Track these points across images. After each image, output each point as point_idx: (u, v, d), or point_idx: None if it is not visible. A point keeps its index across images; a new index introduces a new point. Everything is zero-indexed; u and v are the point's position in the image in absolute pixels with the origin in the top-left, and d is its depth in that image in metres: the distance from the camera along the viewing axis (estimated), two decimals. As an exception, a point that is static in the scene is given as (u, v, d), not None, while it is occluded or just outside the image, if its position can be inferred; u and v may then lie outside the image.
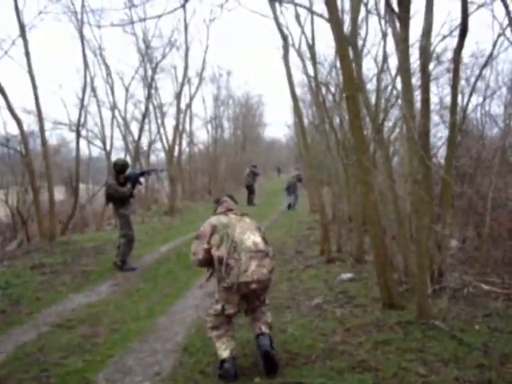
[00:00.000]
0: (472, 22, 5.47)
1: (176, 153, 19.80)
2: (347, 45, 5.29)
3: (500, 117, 11.88)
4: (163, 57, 18.90)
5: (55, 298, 6.81)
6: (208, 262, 4.21)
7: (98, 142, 17.76)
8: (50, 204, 11.12)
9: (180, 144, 20.45)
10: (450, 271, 6.47)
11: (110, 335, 5.17)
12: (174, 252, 10.10)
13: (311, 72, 10.16)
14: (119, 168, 8.70)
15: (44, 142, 10.85)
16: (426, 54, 5.46)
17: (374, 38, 10.85)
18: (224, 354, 4.00)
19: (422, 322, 4.94)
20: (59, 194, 22.53)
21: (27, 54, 10.43)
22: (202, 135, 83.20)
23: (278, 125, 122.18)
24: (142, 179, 9.38)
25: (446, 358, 4.15)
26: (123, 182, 8.56)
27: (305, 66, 10.20)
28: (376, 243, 5.39)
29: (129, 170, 8.89)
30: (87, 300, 6.68)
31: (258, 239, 4.14)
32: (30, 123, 15.04)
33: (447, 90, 12.50)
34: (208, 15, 26.58)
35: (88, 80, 13.69)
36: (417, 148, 4.74)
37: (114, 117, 16.82)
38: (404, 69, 4.71)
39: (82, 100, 12.58)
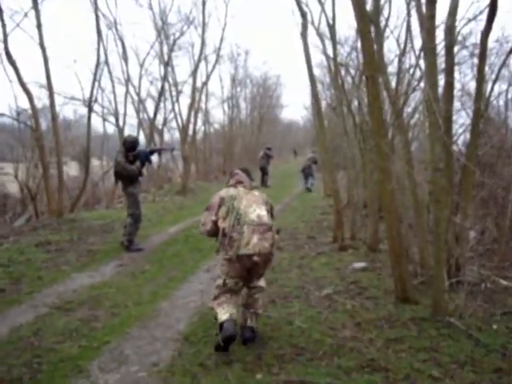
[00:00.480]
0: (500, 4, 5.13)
1: (190, 131, 19.49)
2: (369, 22, 4.95)
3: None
4: (181, 34, 18.58)
5: (57, 278, 6.62)
6: (216, 232, 4.28)
7: (112, 119, 17.48)
8: (59, 180, 10.92)
9: (195, 123, 20.14)
10: (468, 265, 6.17)
11: (109, 320, 4.97)
12: (182, 233, 9.88)
13: (330, 53, 9.82)
14: (129, 145, 8.37)
15: (54, 116, 10.61)
16: (451, 34, 5.12)
17: (397, 20, 10.47)
18: (223, 317, 4.06)
19: (437, 318, 4.67)
20: (73, 170, 22.54)
21: (39, 25, 10.15)
22: (218, 115, 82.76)
23: (295, 106, 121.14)
24: (152, 158, 9.11)
25: (461, 359, 3.90)
26: (132, 160, 8.31)
27: (324, 46, 9.81)
28: (392, 233, 5.10)
29: (139, 148, 8.60)
30: (90, 281, 6.49)
31: (263, 212, 4.21)
32: (42, 98, 14.71)
33: (469, 76, 12.11)
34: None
35: (102, 54, 13.39)
36: (440, 134, 4.41)
37: (127, 92, 16.53)
38: (429, 48, 4.37)
39: (95, 74, 12.29)
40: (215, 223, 4.26)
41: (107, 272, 6.97)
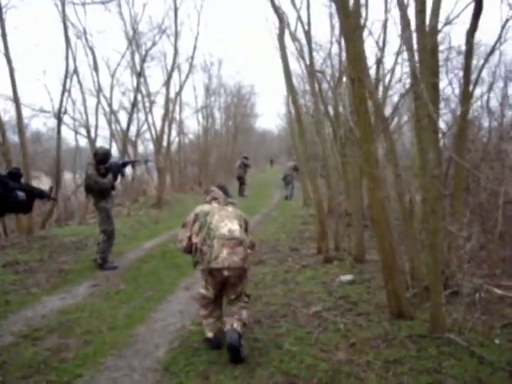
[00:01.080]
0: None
1: (165, 142, 19.03)
2: (354, 19, 4.64)
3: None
4: (153, 44, 18.20)
5: (26, 302, 6.16)
6: (191, 248, 4.44)
7: (84, 131, 16.97)
8: (27, 196, 10.41)
9: (169, 134, 19.68)
10: (459, 273, 5.89)
11: (81, 348, 4.53)
12: (158, 249, 9.45)
13: (307, 59, 9.58)
14: (100, 157, 7.90)
15: (21, 129, 10.09)
16: (435, 34, 4.87)
17: (371, 25, 10.24)
18: (209, 334, 4.37)
19: (435, 335, 4.35)
20: (46, 184, 21.81)
21: (4, 35, 9.66)
22: (193, 125, 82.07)
23: (269, 116, 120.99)
24: (125, 170, 8.70)
25: (467, 381, 3.59)
26: (104, 173, 7.86)
27: (301, 51, 9.53)
28: (384, 245, 4.78)
29: (111, 160, 8.16)
30: (61, 304, 6.04)
31: (235, 227, 4.31)
32: (9, 110, 14.10)
33: (445, 81, 12.00)
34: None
35: (71, 63, 12.90)
36: (434, 138, 4.12)
37: (99, 103, 16.00)
38: (422, 46, 4.08)
39: (64, 84, 11.77)
40: (190, 238, 4.43)
41: (79, 293, 6.52)
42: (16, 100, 10.05)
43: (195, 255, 4.33)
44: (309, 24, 9.28)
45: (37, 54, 52.51)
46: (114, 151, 18.02)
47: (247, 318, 4.44)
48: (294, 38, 9.77)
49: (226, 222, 4.31)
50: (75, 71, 14.20)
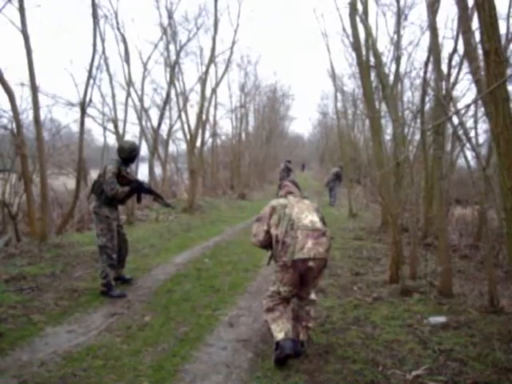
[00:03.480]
0: None
1: (198, 143, 17.61)
2: None
3: None
4: (188, 39, 16.90)
5: (25, 335, 4.75)
6: (268, 242, 4.35)
7: (111, 126, 15.65)
8: (42, 196, 9.04)
9: (203, 134, 18.31)
10: None
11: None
12: (192, 265, 7.96)
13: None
14: (127, 154, 6.39)
15: (37, 118, 8.67)
16: None
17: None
18: (279, 335, 4.04)
19: None
20: (72, 182, 20.57)
21: (21, 8, 8.34)
22: (225, 126, 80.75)
23: (300, 120, 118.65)
24: (142, 197, 6.97)
25: None
26: (124, 181, 6.30)
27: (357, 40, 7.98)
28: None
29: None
30: (68, 342, 4.59)
31: (316, 219, 4.25)
32: (27, 99, 12.76)
33: None
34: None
35: (99, 45, 11.51)
36: None
37: (129, 96, 14.57)
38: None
39: (90, 69, 10.32)
40: (267, 232, 4.31)
41: (94, 325, 5.09)
42: (33, 85, 8.68)
43: (276, 247, 4.22)
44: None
45: (64, 43, 51.58)
46: (144, 150, 16.74)
47: (313, 318, 4.43)
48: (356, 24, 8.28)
49: (307, 214, 4.24)
50: (104, 58, 12.85)
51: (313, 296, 4.37)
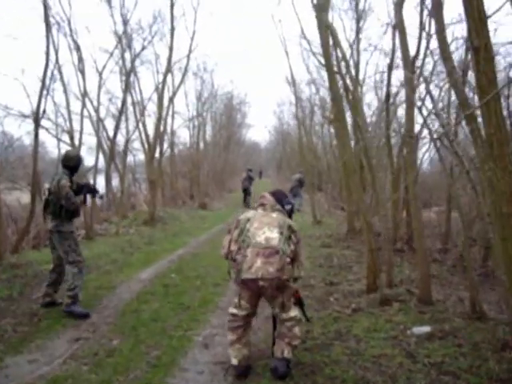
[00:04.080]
0: None
1: (157, 154, 17.17)
2: None
3: None
4: (143, 48, 16.41)
5: (-19, 368, 4.34)
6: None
7: (66, 138, 15.04)
8: (-6, 214, 8.53)
9: (161, 143, 17.85)
10: None
11: None
12: (159, 281, 7.59)
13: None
14: (74, 162, 6.12)
15: (-11, 132, 8.24)
16: None
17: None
18: (233, 361, 4.06)
19: None
20: (26, 197, 19.72)
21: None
22: (182, 135, 79.64)
23: (256, 128, 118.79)
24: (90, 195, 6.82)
25: None
26: (75, 190, 6.08)
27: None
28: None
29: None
30: (30, 372, 4.21)
31: (274, 235, 3.98)
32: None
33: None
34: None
35: (52, 54, 10.94)
36: None
37: (84, 106, 14.02)
38: None
39: (43, 80, 9.85)
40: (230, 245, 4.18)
41: (57, 353, 4.70)
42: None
43: (231, 264, 4.15)
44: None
45: (16, 52, 49.95)
46: (101, 162, 16.17)
47: (299, 335, 4.17)
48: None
49: (265, 230, 4.01)
50: (58, 67, 12.30)
51: (292, 313, 4.13)
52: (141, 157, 22.35)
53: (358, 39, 12.56)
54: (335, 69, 9.72)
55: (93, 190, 6.49)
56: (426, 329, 4.97)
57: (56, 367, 4.34)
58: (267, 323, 5.03)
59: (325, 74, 18.27)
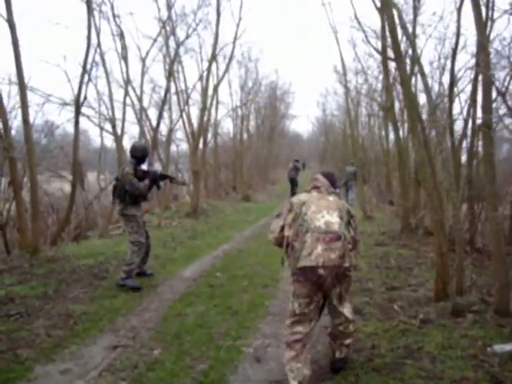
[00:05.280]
0: None
1: (201, 144, 16.71)
2: None
3: None
4: (187, 36, 15.95)
5: (9, 379, 3.89)
6: (282, 240, 3.85)
7: (109, 127, 14.72)
8: (32, 204, 8.12)
9: (205, 133, 17.38)
10: None
11: None
12: (204, 280, 7.05)
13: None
14: (140, 154, 6.77)
15: (26, 118, 7.78)
16: None
17: None
18: (292, 382, 3.54)
19: None
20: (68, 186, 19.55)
21: (6, -7, 7.46)
22: (226, 126, 79.06)
23: (299, 119, 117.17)
24: (161, 183, 7.36)
25: None
26: (141, 177, 6.72)
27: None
28: None
29: (151, 168, 7.24)
30: (61, 387, 3.74)
31: (335, 219, 3.65)
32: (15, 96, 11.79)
33: None
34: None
35: (93, 37, 10.50)
36: None
37: (127, 95, 13.68)
38: None
39: (84, 66, 9.44)
40: (283, 228, 3.86)
41: (93, 362, 4.23)
42: (21, 81, 7.74)
43: (286, 251, 3.79)
44: None
45: (56, 38, 50.03)
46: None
47: (352, 334, 4.02)
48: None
49: (324, 214, 3.67)
50: (100, 53, 11.92)
51: (346, 313, 3.88)
52: (183, 147, 22.01)
53: (415, 22, 11.60)
54: (392, 55, 9.02)
55: (155, 180, 6.93)
56: (510, 347, 4.27)
57: (90, 381, 3.85)
58: (326, 334, 4.42)
59: (373, 62, 17.52)
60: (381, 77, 16.35)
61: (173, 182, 7.83)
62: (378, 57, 13.20)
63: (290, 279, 3.79)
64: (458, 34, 8.69)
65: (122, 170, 6.71)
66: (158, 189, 7.30)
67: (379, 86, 18.54)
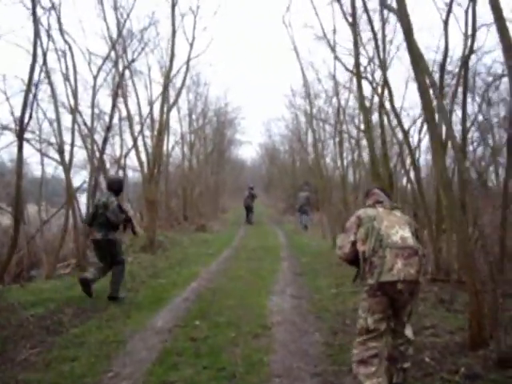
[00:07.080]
0: None
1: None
2: None
3: None
4: (132, 61, 14.94)
5: None
6: (355, 256, 3.83)
7: (55, 155, 13.37)
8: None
9: (160, 160, 16.24)
10: None
11: None
12: (182, 332, 5.79)
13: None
14: (116, 187, 7.47)
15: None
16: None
17: None
18: None
19: None
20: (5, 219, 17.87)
21: None
22: (174, 152, 77.14)
23: (243, 145, 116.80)
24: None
25: None
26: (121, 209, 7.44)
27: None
28: None
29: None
30: None
31: (408, 234, 3.74)
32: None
33: None
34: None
35: (39, 52, 9.26)
36: None
37: (75, 122, 12.34)
38: None
39: (29, 85, 8.19)
40: (354, 244, 3.82)
41: None
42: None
43: (363, 267, 3.69)
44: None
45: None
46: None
47: (411, 356, 3.87)
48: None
49: (397, 229, 3.71)
50: (46, 73, 10.67)
51: (409, 333, 3.83)
52: (131, 175, 20.86)
53: (383, 34, 10.49)
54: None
55: (130, 219, 7.72)
56: None
57: None
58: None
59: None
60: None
61: (128, 227, 7.90)
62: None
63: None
64: (446, 49, 8.14)
65: (107, 199, 7.22)
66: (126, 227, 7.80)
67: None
